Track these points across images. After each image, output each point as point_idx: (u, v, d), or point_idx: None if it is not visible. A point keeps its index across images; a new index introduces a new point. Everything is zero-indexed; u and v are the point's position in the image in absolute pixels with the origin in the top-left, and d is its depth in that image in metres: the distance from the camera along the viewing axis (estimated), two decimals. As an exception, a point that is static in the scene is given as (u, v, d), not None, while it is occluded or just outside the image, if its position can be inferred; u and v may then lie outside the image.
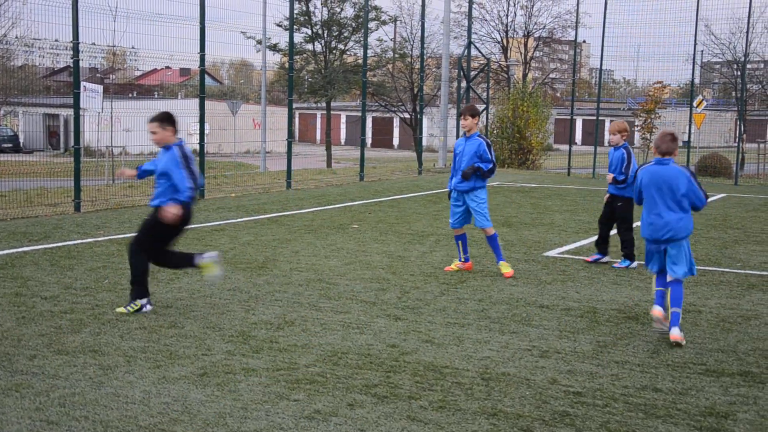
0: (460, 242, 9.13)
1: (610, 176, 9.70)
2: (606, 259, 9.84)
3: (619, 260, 9.77)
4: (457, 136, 27.20)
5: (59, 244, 10.34)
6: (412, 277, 8.73)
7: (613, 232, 9.92)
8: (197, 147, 17.35)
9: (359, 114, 24.16)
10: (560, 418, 4.80)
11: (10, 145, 45.25)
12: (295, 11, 30.87)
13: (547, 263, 9.76)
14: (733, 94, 39.71)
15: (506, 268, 8.94)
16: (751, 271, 9.48)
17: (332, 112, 39.08)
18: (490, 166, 8.78)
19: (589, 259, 9.83)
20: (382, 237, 11.46)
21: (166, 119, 7.11)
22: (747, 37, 26.27)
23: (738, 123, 29.21)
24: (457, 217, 9.04)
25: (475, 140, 8.83)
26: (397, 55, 38.16)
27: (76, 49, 14.05)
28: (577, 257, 10.15)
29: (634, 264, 9.55)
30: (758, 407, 5.04)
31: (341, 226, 12.47)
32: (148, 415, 4.69)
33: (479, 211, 8.90)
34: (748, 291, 8.40)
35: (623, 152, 9.62)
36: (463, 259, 9.12)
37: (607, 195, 9.96)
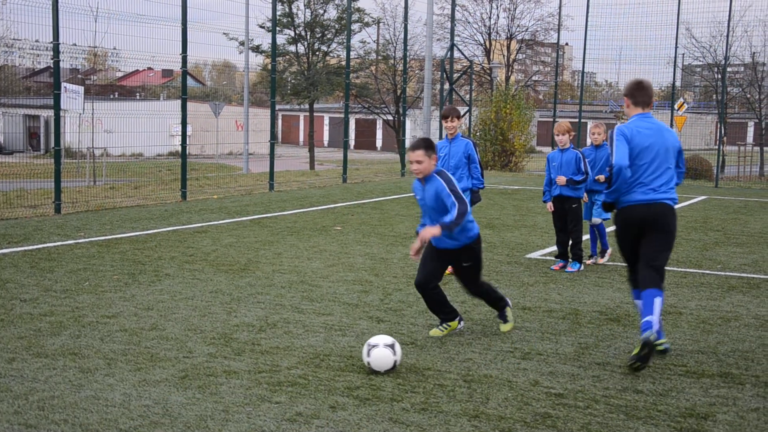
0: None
1: (562, 179, 9.29)
2: (590, 261, 9.93)
3: (568, 263, 9.63)
4: (440, 138, 27.25)
5: (39, 246, 10.27)
6: (394, 279, 8.73)
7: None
8: (179, 149, 17.28)
9: (342, 116, 24.14)
10: (542, 419, 4.81)
11: (-11, 146, 44.81)
12: (278, 13, 30.82)
13: (529, 265, 9.79)
14: (714, 96, 40.01)
15: None
16: (731, 273, 9.55)
17: (315, 114, 39.05)
18: (483, 180, 8.98)
19: (557, 267, 9.52)
20: (364, 239, 11.46)
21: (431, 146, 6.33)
22: (727, 40, 26.50)
23: (718, 125, 29.43)
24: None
25: (461, 141, 8.86)
26: (380, 57, 38.23)
27: (56, 50, 13.96)
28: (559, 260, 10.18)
29: (582, 266, 9.52)
30: (738, 408, 5.08)
31: (324, 228, 12.46)
32: (128, 418, 4.66)
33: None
34: (729, 293, 8.46)
35: (577, 153, 9.38)
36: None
37: (549, 204, 9.58)
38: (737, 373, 5.77)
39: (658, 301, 5.85)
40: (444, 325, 6.54)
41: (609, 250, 10.05)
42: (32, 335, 6.29)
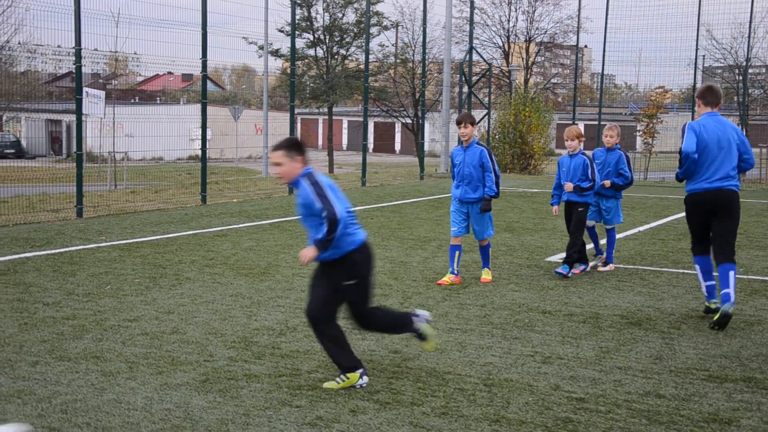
0: (457, 253, 8.81)
1: (569, 185, 9.17)
2: (592, 262, 9.73)
3: (612, 269, 9.63)
4: (458, 142, 27.20)
5: (61, 250, 10.35)
6: (414, 283, 8.71)
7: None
8: (199, 152, 17.36)
9: (361, 119, 24.17)
10: (563, 424, 4.78)
11: (12, 150, 45.29)
12: (297, 17, 30.93)
13: (549, 268, 9.75)
14: (735, 98, 39.68)
15: (487, 275, 8.95)
16: (754, 277, 9.46)
17: (334, 118, 39.12)
18: (497, 189, 8.74)
19: (578, 271, 9.39)
20: (384, 242, 11.45)
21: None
22: (749, 41, 26.32)
23: (740, 127, 29.19)
24: (460, 223, 8.85)
25: (475, 148, 8.72)
26: (398, 61, 38.21)
27: (78, 55, 14.07)
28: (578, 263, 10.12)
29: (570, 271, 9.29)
30: (762, 413, 5.02)
31: (343, 232, 12.45)
32: (150, 422, 4.68)
33: (484, 221, 8.80)
34: (751, 296, 8.38)
35: (585, 159, 9.19)
36: (456, 272, 8.80)
37: (556, 208, 9.59)
38: (761, 377, 5.71)
39: (732, 274, 7.09)
40: (341, 376, 5.33)
41: (611, 266, 9.72)
42: (55, 339, 6.33)
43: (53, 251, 10.28)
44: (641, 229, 13.51)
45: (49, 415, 4.77)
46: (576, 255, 9.30)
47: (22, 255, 9.97)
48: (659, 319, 7.33)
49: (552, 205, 9.66)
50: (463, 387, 5.38)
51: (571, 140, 9.26)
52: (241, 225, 13.10)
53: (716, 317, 6.96)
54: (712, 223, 7.35)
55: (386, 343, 6.37)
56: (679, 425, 4.80)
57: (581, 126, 61.29)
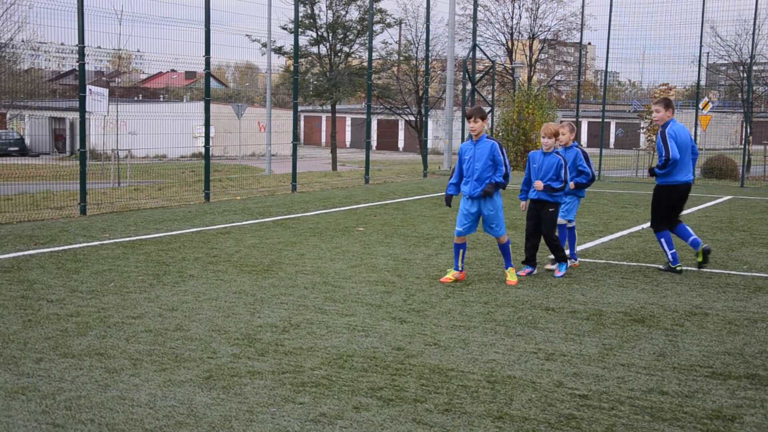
0: (461, 251, 8.71)
1: (539, 183, 8.88)
2: (537, 270, 9.29)
3: (554, 266, 9.35)
4: (463, 139, 27.21)
5: (65, 248, 10.37)
6: (417, 280, 8.72)
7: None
8: (202, 150, 17.38)
9: (364, 116, 24.17)
10: (566, 421, 4.79)
11: (16, 148, 45.39)
12: (300, 14, 30.93)
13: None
14: (740, 95, 39.62)
15: (512, 276, 8.73)
16: (757, 274, 9.46)
17: (337, 115, 39.13)
18: (504, 181, 8.56)
19: (523, 273, 9.12)
20: (387, 240, 11.47)
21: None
22: (753, 38, 26.22)
23: (744, 125, 29.15)
24: (467, 224, 8.72)
25: (485, 143, 8.55)
26: (402, 58, 38.22)
27: (81, 53, 14.09)
28: (582, 260, 10.13)
29: (568, 265, 9.23)
30: (765, 410, 5.02)
31: (346, 229, 12.48)
32: (153, 418, 4.70)
33: (496, 218, 8.66)
34: (755, 294, 8.38)
35: (559, 159, 8.89)
36: (460, 268, 8.74)
37: (524, 203, 9.28)
38: (765, 374, 5.71)
39: (687, 227, 9.65)
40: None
41: (574, 262, 9.58)
42: (59, 335, 6.35)
43: (57, 248, 10.31)
44: (645, 226, 13.49)
45: (54, 411, 4.78)
46: (562, 252, 9.12)
47: (26, 252, 9.99)
48: (662, 316, 7.33)
49: (520, 199, 9.36)
50: (466, 384, 5.39)
51: (549, 138, 8.91)
52: (244, 222, 13.12)
53: (701, 259, 9.41)
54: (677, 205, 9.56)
55: (389, 340, 6.38)
56: (682, 422, 4.80)
57: (584, 124, 61.19)
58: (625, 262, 10.02)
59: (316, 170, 30.10)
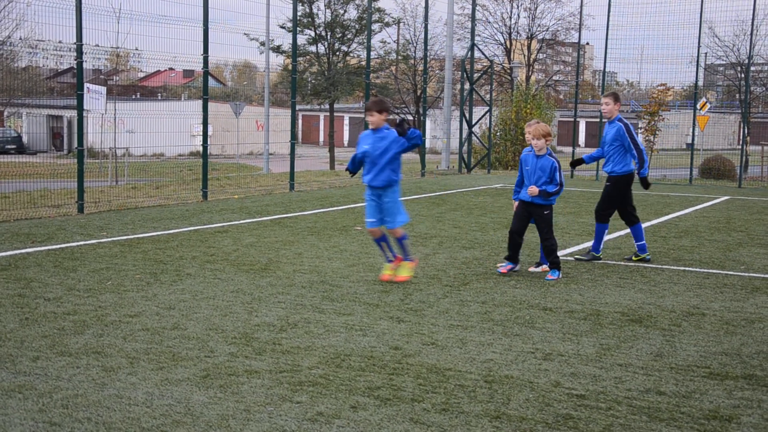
0: (383, 243, 8.58)
1: (534, 189, 8.71)
2: (518, 267, 9.22)
3: (537, 269, 9.31)
4: (460, 139, 27.22)
5: (62, 246, 10.36)
6: (415, 279, 8.72)
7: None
8: (200, 149, 17.37)
9: (362, 116, 24.15)
10: (563, 421, 4.79)
11: (13, 146, 45.36)
12: (299, 13, 30.90)
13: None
14: (737, 96, 39.67)
15: (406, 271, 8.50)
16: (755, 274, 9.46)
17: (335, 114, 39.12)
18: (396, 177, 8.41)
19: (504, 270, 9.08)
20: (385, 239, 11.45)
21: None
22: (751, 39, 26.29)
23: (742, 125, 29.17)
24: (376, 217, 8.53)
25: (386, 133, 8.34)
26: (400, 57, 38.21)
27: (79, 51, 14.07)
28: (581, 258, 10.13)
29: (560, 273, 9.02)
30: (762, 411, 5.03)
31: (344, 228, 12.47)
32: (150, 417, 4.69)
33: (392, 210, 8.42)
34: (752, 294, 8.38)
35: (553, 162, 8.74)
36: (392, 258, 8.59)
37: (518, 204, 9.10)
38: (762, 375, 5.72)
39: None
40: None
41: (546, 266, 9.34)
42: (56, 334, 6.34)
43: (54, 247, 10.29)
44: (642, 226, 13.49)
45: (50, 410, 4.78)
46: (557, 258, 8.99)
47: (23, 250, 9.98)
48: (660, 316, 7.33)
49: (513, 200, 9.25)
50: (463, 383, 5.39)
51: (537, 139, 8.68)
52: (242, 221, 13.11)
53: (634, 258, 10.12)
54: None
55: (387, 339, 6.38)
56: (679, 422, 4.81)
57: (582, 124, 61.37)
58: (622, 263, 10.02)
59: (314, 169, 30.09)
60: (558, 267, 9.01)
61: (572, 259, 10.20)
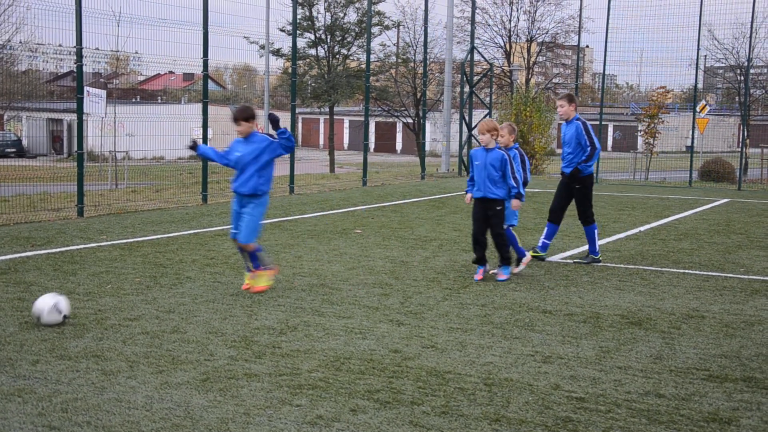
0: (245, 253, 8.19)
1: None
2: (488, 266, 9.08)
3: (498, 270, 9.13)
4: (460, 142, 27.23)
5: (62, 249, 10.36)
6: (414, 282, 8.72)
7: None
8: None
9: (362, 119, 24.17)
10: (563, 423, 4.79)
11: (13, 150, 45.34)
12: (299, 16, 30.92)
13: (549, 268, 9.75)
14: (737, 98, 39.68)
15: (262, 281, 8.15)
16: (754, 277, 9.46)
17: (335, 117, 39.13)
18: (265, 188, 8.16)
19: (479, 276, 8.91)
20: (384, 242, 11.46)
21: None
22: (750, 41, 26.35)
23: (741, 128, 29.17)
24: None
25: (261, 141, 8.14)
26: (400, 60, 38.21)
27: (79, 54, 14.07)
28: (580, 262, 10.13)
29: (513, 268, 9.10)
30: (762, 413, 5.03)
31: (344, 231, 12.47)
32: (150, 421, 4.69)
33: (250, 225, 8.08)
34: (752, 296, 8.39)
35: (502, 154, 8.69)
36: (252, 267, 8.17)
37: (469, 196, 9.02)
38: (761, 377, 5.72)
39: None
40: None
41: (526, 257, 9.40)
42: (55, 338, 6.34)
43: (54, 250, 10.29)
44: (642, 229, 13.51)
45: (50, 413, 4.78)
46: (508, 254, 8.95)
47: (23, 254, 9.98)
48: (659, 318, 7.33)
49: (466, 192, 9.13)
50: (463, 386, 5.39)
51: (482, 134, 8.72)
52: (241, 224, 13.09)
53: (534, 253, 10.08)
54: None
55: (386, 342, 6.38)
56: (678, 425, 4.81)
57: (582, 126, 61.22)
58: (622, 265, 10.03)
59: (313, 172, 30.08)
60: (509, 263, 8.95)
61: (571, 261, 10.20)
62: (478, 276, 8.95)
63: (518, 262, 9.38)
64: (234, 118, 8.19)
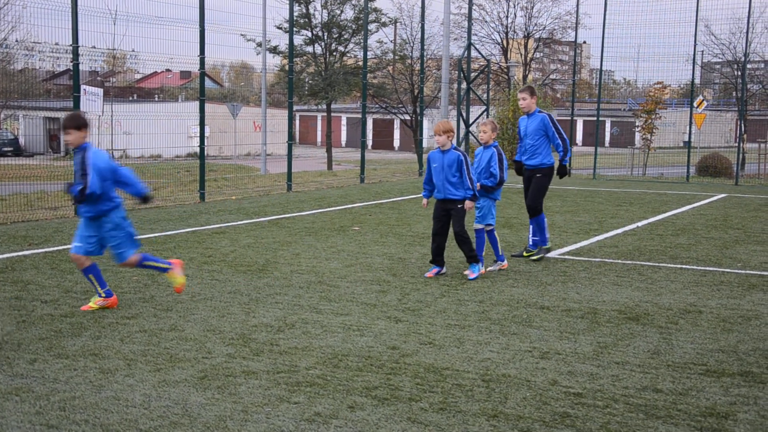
0: (91, 276, 7.23)
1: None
2: (491, 267, 9.26)
3: (505, 266, 9.35)
4: (457, 138, 27.22)
5: (59, 248, 10.35)
6: (412, 279, 8.72)
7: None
8: (197, 150, 17.36)
9: (360, 116, 24.16)
10: (561, 419, 4.79)
11: (10, 148, 45.32)
12: (295, 14, 30.89)
13: (547, 264, 9.76)
14: (734, 94, 39.71)
15: (177, 279, 7.37)
16: (751, 272, 9.48)
17: (333, 114, 39.10)
18: (79, 196, 6.95)
19: (431, 274, 8.87)
20: (382, 239, 11.47)
21: None
22: (747, 37, 26.29)
23: (738, 123, 29.18)
24: (83, 241, 7.19)
25: (88, 152, 6.99)
26: (397, 57, 38.21)
27: (75, 53, 14.06)
28: (578, 258, 10.15)
29: (482, 266, 8.95)
30: (759, 407, 5.04)
31: (342, 229, 12.47)
32: (148, 419, 4.69)
33: (119, 240, 7.22)
34: (749, 291, 8.40)
35: (458, 155, 8.58)
36: (104, 294, 7.23)
37: (426, 200, 8.95)
38: (758, 371, 5.73)
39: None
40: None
41: (503, 263, 9.38)
42: (53, 336, 6.34)
43: (51, 249, 10.28)
44: (639, 224, 13.52)
45: (48, 412, 4.78)
46: (473, 252, 8.78)
47: (20, 253, 9.97)
48: (657, 314, 7.34)
49: (423, 197, 9.01)
50: (461, 383, 5.40)
51: (439, 135, 8.63)
52: (239, 222, 13.11)
53: (532, 255, 10.06)
54: None
55: (384, 339, 6.38)
56: (676, 419, 4.81)
57: (579, 122, 61.26)
58: (620, 261, 10.04)
59: (311, 170, 30.08)
60: (476, 260, 8.81)
61: (570, 258, 10.21)
62: (429, 274, 8.87)
63: (495, 262, 9.41)
64: (63, 126, 7.01)
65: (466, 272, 8.91)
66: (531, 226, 10.23)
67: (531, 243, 10.25)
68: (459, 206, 8.72)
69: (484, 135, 9.25)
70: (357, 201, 16.69)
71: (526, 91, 10.17)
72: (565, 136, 10.05)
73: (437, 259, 8.95)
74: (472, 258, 8.82)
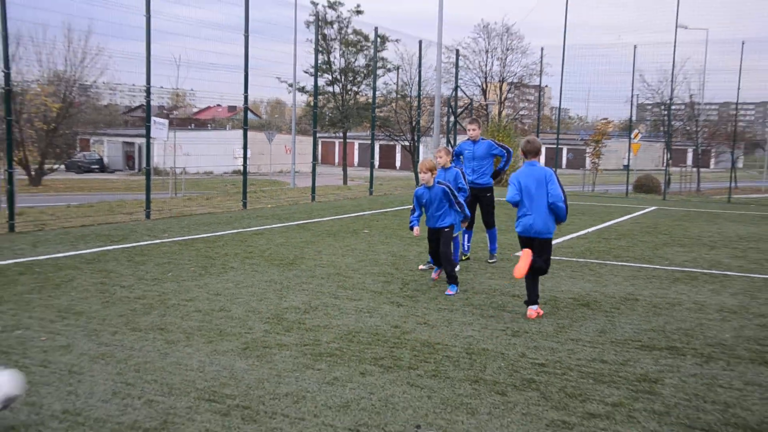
0: None
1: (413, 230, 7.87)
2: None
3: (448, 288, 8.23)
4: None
5: (134, 245, 10.36)
6: (411, 272, 8.71)
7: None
8: (241, 168, 17.34)
9: (369, 142, 24.15)
10: (528, 384, 4.78)
11: (97, 166, 45.45)
12: (319, 61, 30.92)
13: (516, 261, 9.71)
14: (662, 128, 39.60)
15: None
16: (676, 268, 9.45)
17: (348, 140, 39.09)
18: None
19: (436, 276, 8.26)
20: (387, 239, 11.45)
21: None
22: (672, 84, 26.33)
23: (665, 151, 29.13)
24: None
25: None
26: (399, 96, 38.21)
27: (148, 92, 14.08)
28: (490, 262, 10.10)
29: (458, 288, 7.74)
30: (680, 374, 5.02)
31: (355, 231, 12.46)
32: (203, 380, 4.69)
33: None
34: (674, 283, 8.37)
35: (443, 187, 7.76)
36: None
37: (417, 229, 7.90)
38: (680, 346, 5.71)
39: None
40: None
41: (466, 254, 9.16)
42: (129, 314, 6.34)
43: (127, 245, 10.29)
44: (590, 230, 13.49)
45: (126, 373, 4.78)
46: (453, 272, 7.65)
47: (104, 248, 9.98)
48: (603, 301, 7.32)
49: (411, 227, 7.96)
50: (449, 355, 5.38)
51: (424, 173, 7.72)
52: (273, 225, 13.10)
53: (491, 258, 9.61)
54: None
55: (389, 319, 6.37)
56: (618, 384, 4.80)
57: (543, 150, 61.01)
58: (574, 259, 10.01)
59: (330, 184, 30.04)
60: (455, 282, 7.64)
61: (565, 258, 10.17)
62: (435, 276, 8.25)
63: (433, 269, 8.50)
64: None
65: (447, 291, 7.56)
66: (488, 236, 9.78)
67: (491, 249, 9.74)
68: (446, 230, 7.81)
69: (440, 160, 8.66)
70: (367, 209, 16.68)
71: (475, 122, 9.78)
72: (508, 148, 9.68)
73: (437, 260, 8.36)
74: (453, 279, 7.63)
